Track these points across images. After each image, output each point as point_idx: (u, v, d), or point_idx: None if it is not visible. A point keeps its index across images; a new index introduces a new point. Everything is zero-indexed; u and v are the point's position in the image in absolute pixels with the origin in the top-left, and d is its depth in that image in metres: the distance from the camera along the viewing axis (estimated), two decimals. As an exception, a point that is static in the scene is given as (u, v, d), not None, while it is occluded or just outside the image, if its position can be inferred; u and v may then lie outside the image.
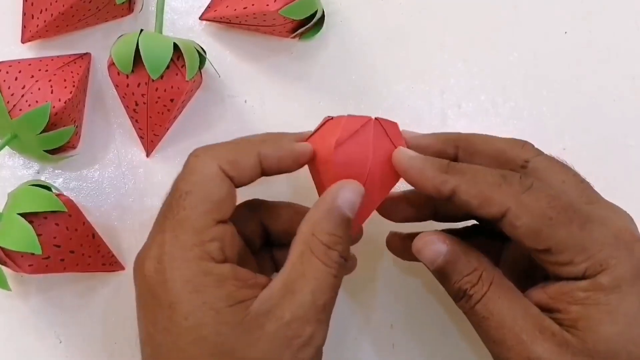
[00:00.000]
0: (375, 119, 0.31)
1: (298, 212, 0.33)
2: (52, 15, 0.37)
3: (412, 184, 0.30)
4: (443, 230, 0.31)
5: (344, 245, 0.29)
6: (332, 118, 0.32)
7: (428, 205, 0.34)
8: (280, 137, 0.31)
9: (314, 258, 0.28)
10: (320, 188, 0.32)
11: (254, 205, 0.34)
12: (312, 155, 0.31)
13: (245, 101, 0.40)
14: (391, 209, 0.34)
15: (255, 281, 0.28)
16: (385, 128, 0.31)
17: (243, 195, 0.32)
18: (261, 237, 0.34)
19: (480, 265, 0.29)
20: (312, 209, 0.29)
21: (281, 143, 0.31)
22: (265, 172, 0.30)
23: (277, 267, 0.34)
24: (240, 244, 0.31)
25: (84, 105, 0.39)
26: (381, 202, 0.32)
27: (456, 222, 0.34)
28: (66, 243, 0.34)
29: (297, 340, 0.27)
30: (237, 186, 0.30)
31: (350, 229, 0.29)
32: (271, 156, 0.30)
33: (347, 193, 0.29)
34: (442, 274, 0.30)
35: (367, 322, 0.37)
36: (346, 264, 0.29)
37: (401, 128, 0.33)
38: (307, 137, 0.32)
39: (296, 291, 0.27)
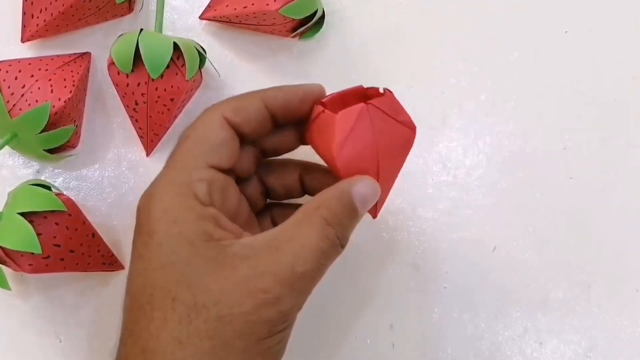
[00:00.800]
0: (367, 103, 0.29)
1: (296, 165, 0.33)
2: (52, 14, 0.37)
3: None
4: None
5: (343, 230, 0.28)
6: (323, 106, 0.30)
7: None
8: (278, 86, 0.32)
9: (308, 227, 0.27)
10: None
11: None
12: (322, 94, 0.31)
13: (245, 101, 0.40)
14: None
15: (231, 227, 0.28)
16: (381, 107, 0.30)
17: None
18: (263, 195, 0.34)
19: None
20: (325, 189, 0.29)
21: (285, 86, 0.31)
22: (273, 115, 0.31)
23: (270, 192, 0.34)
24: (241, 203, 0.32)
25: (84, 105, 0.39)
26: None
27: None
28: (66, 242, 0.34)
29: (262, 295, 0.26)
30: (245, 135, 0.30)
31: (355, 220, 0.29)
32: (276, 96, 0.30)
33: (363, 187, 0.29)
34: None
35: (367, 322, 0.37)
36: (340, 250, 0.28)
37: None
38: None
39: (279, 250, 0.27)
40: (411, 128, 0.31)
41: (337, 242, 0.28)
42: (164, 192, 0.28)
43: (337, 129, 0.29)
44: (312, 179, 0.33)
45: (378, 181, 0.30)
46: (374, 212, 0.31)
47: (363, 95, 0.32)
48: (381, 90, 0.31)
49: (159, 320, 0.26)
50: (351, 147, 0.29)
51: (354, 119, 0.29)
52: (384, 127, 0.30)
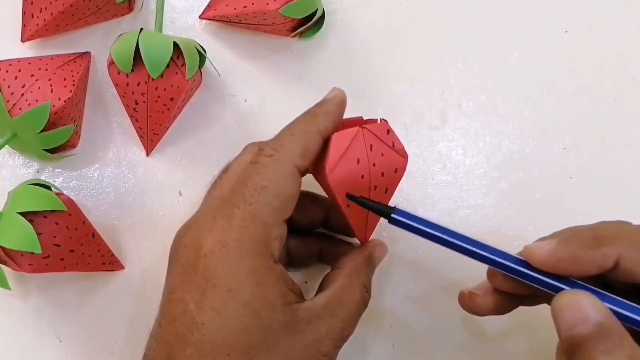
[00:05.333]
0: (362, 127, 0.31)
1: (325, 204, 0.35)
2: (52, 14, 0.37)
3: (564, 273, 0.28)
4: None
5: (370, 287, 0.32)
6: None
7: (517, 294, 0.31)
8: (320, 107, 0.32)
9: (352, 294, 0.30)
10: (334, 203, 0.32)
11: None
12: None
13: (245, 100, 0.40)
14: (480, 303, 0.32)
15: (293, 287, 0.30)
16: (376, 133, 0.31)
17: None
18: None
19: (633, 352, 0.25)
20: (355, 251, 0.33)
21: (325, 108, 0.31)
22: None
23: (289, 256, 0.35)
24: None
25: (84, 104, 0.39)
26: (467, 294, 0.33)
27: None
28: (66, 242, 0.34)
29: (323, 358, 0.29)
30: (303, 173, 0.31)
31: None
32: (328, 126, 0.31)
33: (381, 253, 0.33)
34: (577, 345, 0.25)
35: (367, 322, 0.37)
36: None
37: (401, 128, 0.33)
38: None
39: (334, 315, 0.29)
40: (403, 156, 0.32)
41: (368, 301, 0.32)
42: (247, 249, 0.28)
43: (332, 149, 0.30)
44: (337, 220, 0.34)
45: None
46: (364, 238, 0.33)
47: (361, 124, 0.33)
48: (378, 121, 0.32)
49: None
50: (345, 167, 0.30)
51: (349, 141, 0.30)
52: (377, 152, 0.31)
